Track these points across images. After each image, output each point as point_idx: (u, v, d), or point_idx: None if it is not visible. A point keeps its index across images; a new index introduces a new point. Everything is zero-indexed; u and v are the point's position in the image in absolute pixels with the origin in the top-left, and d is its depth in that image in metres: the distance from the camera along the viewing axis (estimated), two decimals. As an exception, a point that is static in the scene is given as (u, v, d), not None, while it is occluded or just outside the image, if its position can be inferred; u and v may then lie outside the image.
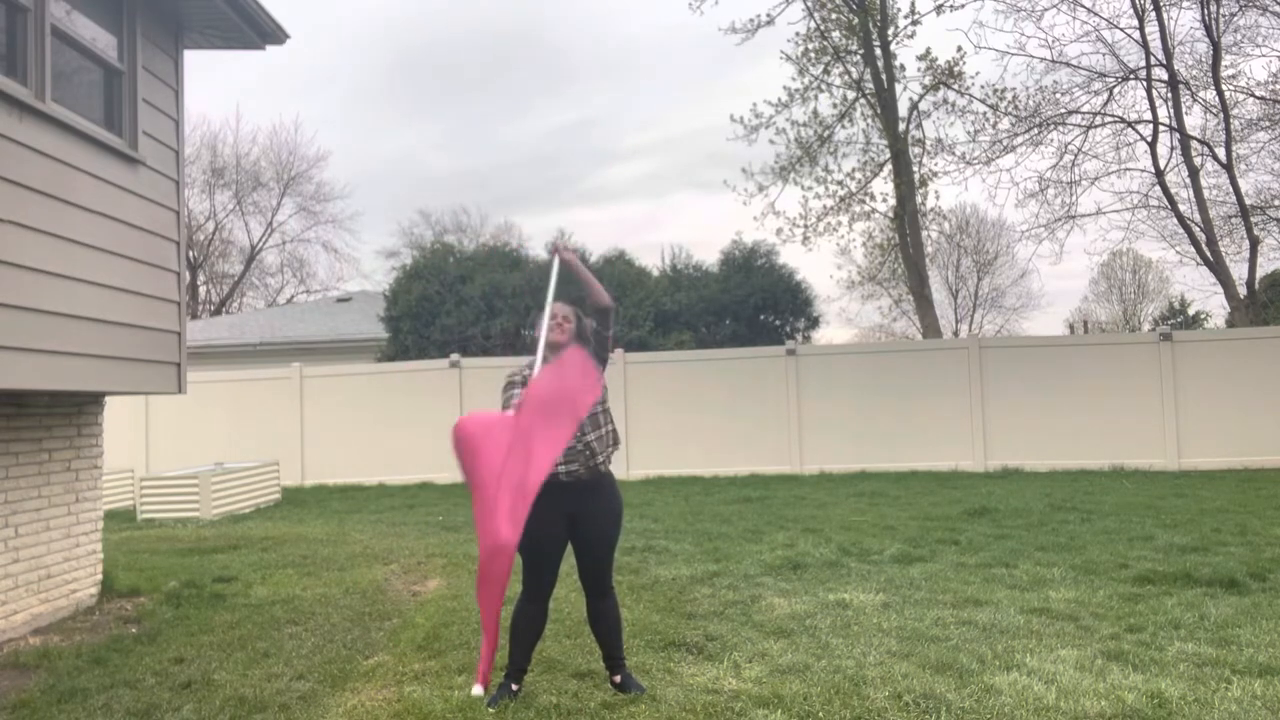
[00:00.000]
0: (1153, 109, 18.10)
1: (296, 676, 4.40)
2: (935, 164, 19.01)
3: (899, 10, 18.31)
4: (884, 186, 19.08)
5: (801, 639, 4.86)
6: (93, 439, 6.26)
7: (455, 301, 17.16)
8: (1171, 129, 18.01)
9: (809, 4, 18.35)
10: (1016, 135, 18.33)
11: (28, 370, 4.88)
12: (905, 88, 18.56)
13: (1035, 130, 18.30)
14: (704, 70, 56.48)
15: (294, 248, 37.89)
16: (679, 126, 57.40)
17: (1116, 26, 18.66)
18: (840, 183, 18.85)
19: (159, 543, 8.79)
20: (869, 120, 18.83)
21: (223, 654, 4.81)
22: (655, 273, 18.40)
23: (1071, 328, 38.02)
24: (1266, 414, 13.16)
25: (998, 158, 18.64)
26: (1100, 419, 13.54)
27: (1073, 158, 18.62)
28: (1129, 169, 19.16)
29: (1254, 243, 18.27)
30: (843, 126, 18.83)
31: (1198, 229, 18.12)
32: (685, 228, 58.49)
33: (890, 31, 18.25)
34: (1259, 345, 13.60)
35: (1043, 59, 18.59)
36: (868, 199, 19.17)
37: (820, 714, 3.76)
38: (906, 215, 18.45)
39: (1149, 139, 18.21)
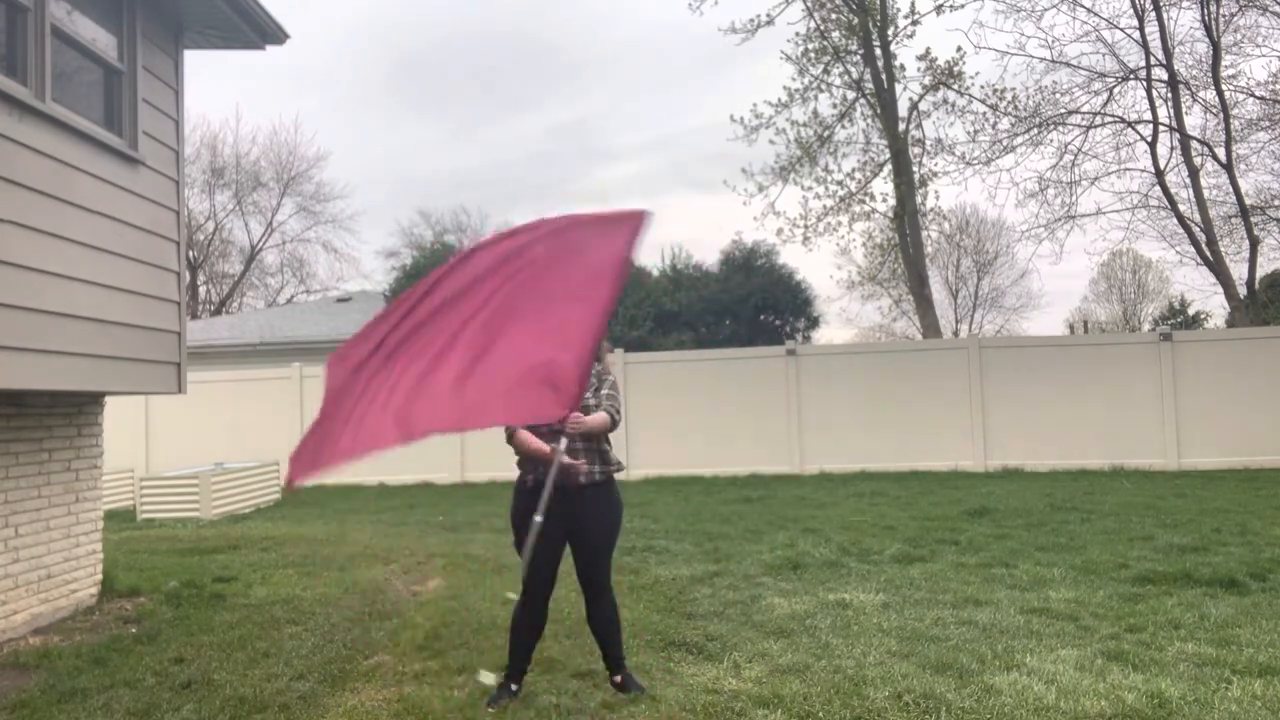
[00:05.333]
0: (1153, 109, 18.11)
1: (296, 676, 4.40)
2: (935, 164, 19.02)
3: (899, 10, 18.33)
4: (884, 186, 19.10)
5: (801, 639, 4.86)
6: (93, 439, 6.26)
7: (455, 301, 17.15)
8: (1171, 129, 18.01)
9: (809, 4, 18.35)
10: (1016, 135, 18.33)
11: (28, 370, 4.88)
12: (905, 88, 18.58)
13: (1035, 130, 18.30)
14: (701, 70, 56.51)
15: (294, 248, 37.92)
16: (675, 126, 57.48)
17: (1116, 26, 18.66)
18: (840, 183, 18.86)
19: (159, 543, 8.78)
20: (869, 120, 18.84)
21: (223, 654, 4.81)
22: (655, 273, 18.40)
23: (1071, 328, 38.02)
24: (1266, 414, 13.15)
25: (998, 158, 18.65)
26: (1100, 419, 13.53)
27: (1073, 158, 18.63)
28: (1129, 169, 19.17)
29: (1254, 243, 18.27)
30: (843, 126, 18.84)
31: (1198, 229, 18.11)
32: (682, 227, 58.50)
33: (890, 31, 18.25)
34: (1259, 345, 13.60)
35: (1043, 59, 18.59)
36: (868, 199, 19.18)
37: (820, 714, 3.76)
38: (906, 215, 18.45)
39: (1149, 139, 18.21)
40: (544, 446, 3.93)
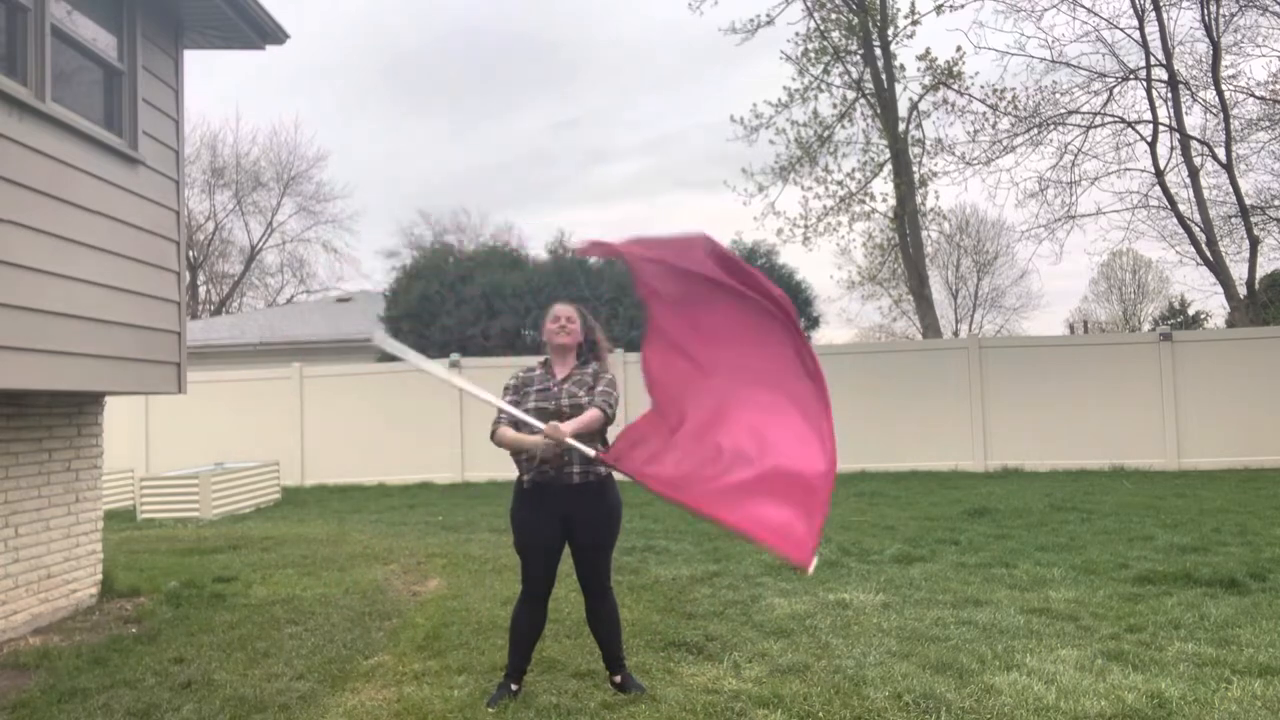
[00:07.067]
0: (1153, 109, 18.12)
1: (296, 676, 4.40)
2: (935, 164, 19.06)
3: (899, 10, 18.36)
4: (884, 186, 19.12)
5: (801, 639, 4.86)
6: (93, 439, 6.26)
7: (455, 301, 17.16)
8: (1171, 129, 18.02)
9: (809, 4, 18.36)
10: (1016, 135, 18.35)
11: (28, 370, 4.88)
12: (905, 88, 18.61)
13: (1035, 130, 18.32)
14: (701, 70, 56.53)
15: (294, 248, 37.92)
16: (674, 126, 57.50)
17: (1116, 26, 18.72)
18: (840, 183, 18.87)
19: (159, 543, 8.78)
20: (869, 120, 18.85)
21: (223, 654, 4.81)
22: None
23: (1071, 328, 38.02)
24: (1266, 414, 13.16)
25: (998, 158, 18.68)
26: (1100, 419, 13.53)
27: (1073, 158, 18.65)
28: (1129, 169, 19.19)
29: (1254, 243, 18.28)
30: (843, 126, 18.86)
31: (1198, 229, 18.12)
32: (680, 227, 58.39)
33: (890, 31, 18.26)
34: (1259, 345, 13.61)
35: (1043, 59, 18.65)
36: (868, 199, 19.20)
37: (820, 714, 3.76)
38: (906, 215, 18.45)
39: (1149, 139, 18.22)
40: (525, 439, 3.87)
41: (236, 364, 18.40)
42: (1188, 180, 17.97)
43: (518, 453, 3.98)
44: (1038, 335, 24.80)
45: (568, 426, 3.81)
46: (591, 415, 3.91)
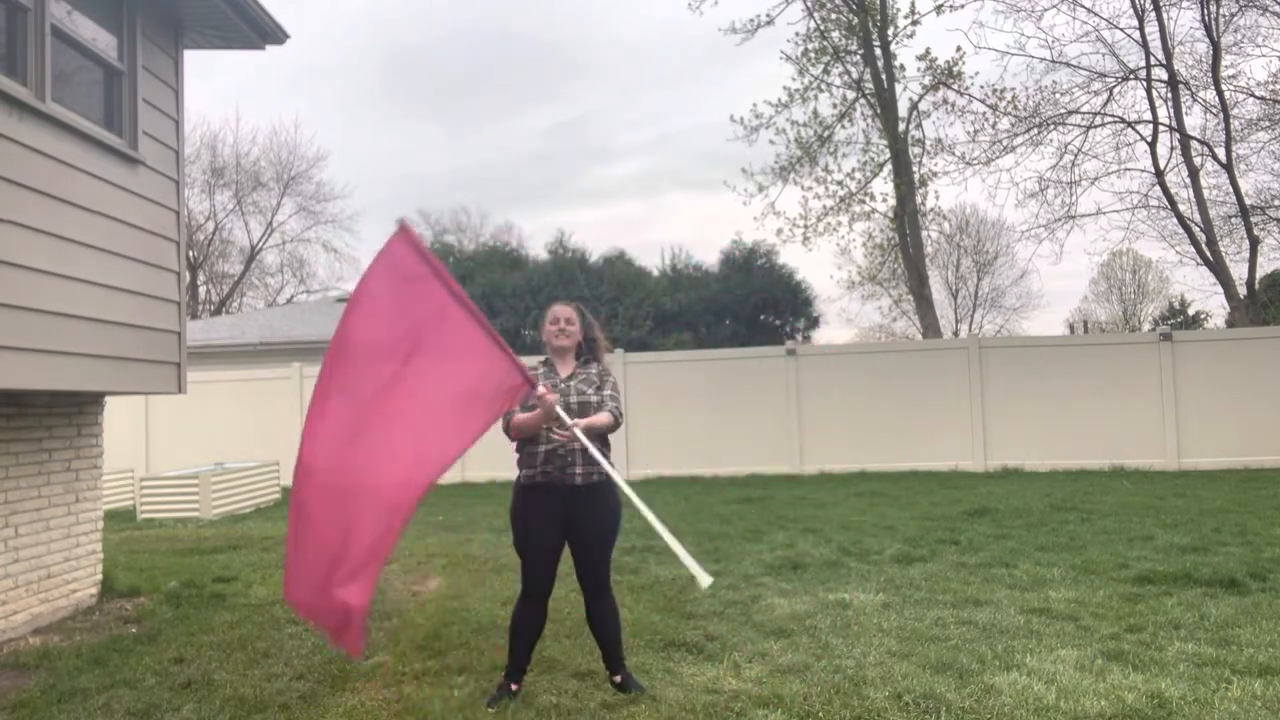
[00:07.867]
0: (1153, 109, 18.12)
1: (296, 676, 4.40)
2: (935, 164, 19.07)
3: (899, 10, 18.37)
4: (884, 186, 19.13)
5: (801, 639, 4.86)
6: (93, 439, 6.26)
7: (455, 301, 17.17)
8: (1171, 129, 18.02)
9: (809, 4, 18.37)
10: (1016, 135, 18.36)
11: (28, 370, 4.88)
12: (905, 88, 18.62)
13: (1035, 130, 18.33)
14: (700, 69, 56.52)
15: (294, 248, 37.91)
16: (675, 126, 57.50)
17: (1116, 26, 18.77)
18: (840, 183, 18.87)
19: (159, 543, 8.79)
20: (869, 120, 18.86)
21: (223, 654, 4.81)
22: (655, 273, 18.40)
23: (1071, 328, 38.00)
24: (1266, 414, 13.16)
25: (998, 158, 18.69)
26: (1100, 419, 13.54)
27: (1073, 158, 18.65)
28: (1129, 169, 19.19)
29: (1254, 243, 18.28)
30: (843, 126, 18.87)
31: (1198, 229, 18.12)
32: (682, 227, 58.58)
33: (890, 31, 18.27)
34: (1259, 345, 13.60)
35: (1043, 59, 18.67)
36: (868, 199, 19.20)
37: (820, 714, 3.76)
38: (906, 215, 18.45)
39: (1149, 139, 18.22)
40: (537, 414, 3.88)
41: (236, 364, 18.38)
42: (1188, 180, 17.98)
43: (533, 439, 3.97)
44: (1037, 335, 24.80)
45: (582, 422, 3.86)
46: (603, 418, 4.00)
